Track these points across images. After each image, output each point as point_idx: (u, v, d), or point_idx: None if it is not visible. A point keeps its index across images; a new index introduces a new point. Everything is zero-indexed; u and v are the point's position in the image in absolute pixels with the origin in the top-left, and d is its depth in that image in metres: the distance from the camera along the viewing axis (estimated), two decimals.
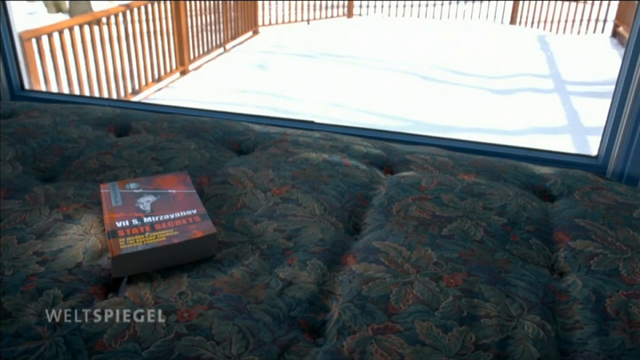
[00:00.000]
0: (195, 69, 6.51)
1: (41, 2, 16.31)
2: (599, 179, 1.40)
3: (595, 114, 5.08)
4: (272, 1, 8.69)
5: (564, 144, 4.64)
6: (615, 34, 8.15)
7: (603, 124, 1.71)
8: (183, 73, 6.29)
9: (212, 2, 6.93)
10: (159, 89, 5.89)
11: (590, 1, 8.43)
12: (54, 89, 4.60)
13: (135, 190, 1.18)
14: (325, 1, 9.27)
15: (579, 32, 8.53)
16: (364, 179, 1.33)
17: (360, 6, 9.66)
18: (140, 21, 5.62)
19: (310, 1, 9.07)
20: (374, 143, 1.55)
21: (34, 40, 4.41)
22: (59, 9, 15.31)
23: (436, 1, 9.59)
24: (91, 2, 13.57)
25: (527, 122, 5.13)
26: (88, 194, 1.24)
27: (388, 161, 1.47)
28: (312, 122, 1.81)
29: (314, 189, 1.25)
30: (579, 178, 1.40)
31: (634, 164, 1.62)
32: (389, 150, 1.51)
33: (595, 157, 1.74)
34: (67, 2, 14.54)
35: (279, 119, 1.83)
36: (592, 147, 4.58)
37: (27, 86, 2.29)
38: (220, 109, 1.99)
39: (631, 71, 1.59)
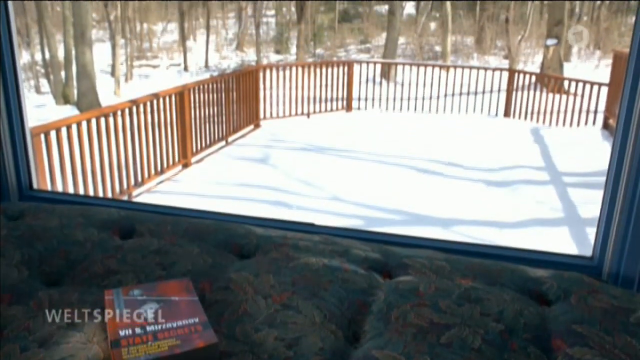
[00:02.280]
0: (198, 161, 6.65)
1: (49, 94, 16.88)
2: (594, 282, 1.43)
3: (592, 205, 5.14)
4: (273, 95, 8.97)
5: (562, 238, 4.66)
6: (606, 125, 8.39)
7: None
8: (185, 166, 6.43)
9: (215, 95, 7.18)
10: (161, 182, 5.99)
11: (580, 94, 8.73)
12: (59, 181, 4.69)
13: (139, 298, 1.20)
14: (325, 95, 9.59)
15: (571, 125, 8.78)
16: (363, 285, 1.36)
17: (359, 99, 9.99)
18: (145, 113, 5.81)
19: (311, 96, 9.38)
20: (373, 247, 1.58)
21: (42, 136, 4.55)
22: (66, 101, 15.81)
23: (431, 96, 9.93)
24: (98, 95, 14.05)
25: (525, 214, 5.18)
26: (92, 299, 1.26)
27: (386, 265, 1.50)
28: (312, 225, 1.86)
29: (314, 295, 1.28)
30: (574, 281, 1.42)
31: (628, 265, 1.64)
32: (387, 254, 1.54)
33: (590, 258, 1.76)
34: (75, 94, 15.05)
35: (280, 221, 1.87)
36: (591, 239, 4.60)
37: (35, 185, 2.35)
38: (222, 210, 2.04)
39: (619, 170, 1.63)
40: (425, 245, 1.71)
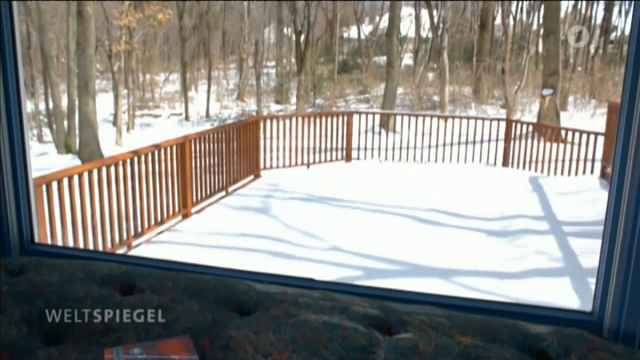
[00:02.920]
0: (198, 212, 6.67)
1: (52, 143, 17.05)
2: (595, 339, 1.42)
3: (593, 254, 5.13)
4: (273, 145, 9.06)
5: (564, 289, 4.64)
6: (603, 174, 8.44)
7: None
8: (185, 216, 6.44)
9: (215, 145, 7.26)
10: (161, 232, 5.99)
11: (577, 143, 8.81)
12: (58, 231, 4.69)
13: (139, 357, 1.20)
14: (324, 145, 9.68)
15: (569, 174, 8.84)
16: (363, 342, 1.36)
17: (359, 149, 10.09)
18: (146, 163, 5.85)
19: (311, 146, 9.47)
20: (372, 303, 1.58)
21: (44, 187, 4.58)
22: (68, 150, 15.96)
23: (430, 145, 10.03)
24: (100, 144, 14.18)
25: (526, 265, 5.16)
26: (91, 359, 1.26)
27: (386, 322, 1.50)
28: (311, 280, 1.86)
29: (314, 353, 1.27)
30: (575, 338, 1.42)
31: (629, 321, 1.63)
32: (387, 311, 1.54)
33: (590, 313, 1.76)
34: (76, 144, 15.20)
35: (280, 277, 1.88)
36: (593, 290, 4.56)
37: (37, 238, 2.36)
38: (222, 262, 2.05)
39: (615, 223, 1.64)
40: (424, 301, 1.71)
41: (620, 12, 23.88)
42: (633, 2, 1.43)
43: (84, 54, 13.60)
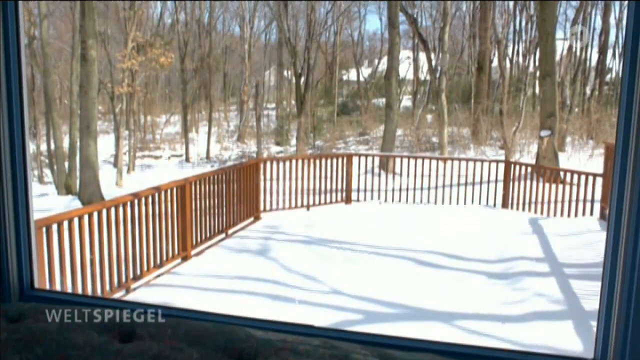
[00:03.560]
0: (197, 254, 6.64)
1: (52, 184, 17.11)
2: None
3: (595, 297, 5.10)
4: (273, 187, 9.08)
5: (566, 332, 4.59)
6: (603, 215, 8.44)
7: None
8: (185, 259, 6.41)
9: (216, 186, 7.28)
10: (160, 275, 5.96)
11: (576, 184, 8.84)
12: (57, 272, 4.67)
13: None
14: (324, 187, 9.71)
15: (569, 215, 8.83)
16: None
17: (359, 191, 10.11)
18: (146, 205, 5.86)
19: (310, 187, 9.50)
20: (372, 350, 1.57)
21: (44, 229, 4.58)
22: (68, 191, 16.01)
23: (429, 187, 10.06)
24: (101, 185, 14.22)
25: (528, 308, 5.12)
26: None
27: None
28: (311, 327, 1.85)
29: None
30: None
31: None
32: (388, 359, 1.53)
33: None
34: (77, 185, 15.25)
35: (279, 323, 1.87)
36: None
37: (36, 282, 2.35)
38: (222, 307, 2.04)
39: (614, 267, 1.63)
40: (425, 348, 1.70)
41: (614, 54, 24.35)
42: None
43: (87, 96, 13.78)
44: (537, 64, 18.23)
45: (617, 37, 23.36)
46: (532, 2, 20.14)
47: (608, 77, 24.84)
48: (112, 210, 5.38)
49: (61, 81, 23.21)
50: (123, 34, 20.34)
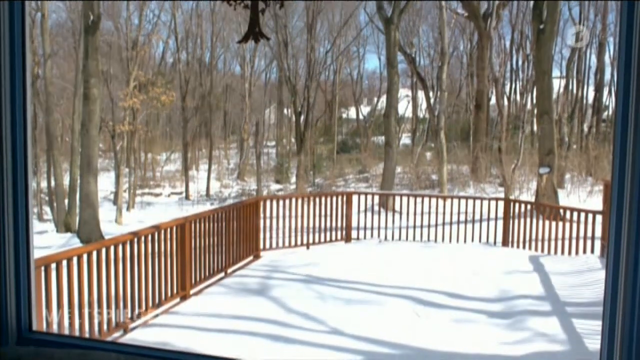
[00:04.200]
0: (196, 293, 6.59)
1: (51, 222, 17.07)
2: None
3: (598, 336, 5.04)
4: (273, 225, 9.06)
5: None
6: (603, 253, 8.40)
7: None
8: (184, 298, 6.36)
9: (215, 225, 7.27)
10: (159, 314, 5.90)
11: (576, 221, 8.82)
12: (54, 314, 4.62)
13: None
14: (324, 225, 9.69)
15: (569, 253, 8.79)
16: None
17: (359, 229, 10.09)
18: (146, 244, 5.84)
19: (310, 226, 9.48)
20: None
21: (42, 269, 4.55)
22: (67, 229, 15.97)
23: (429, 224, 10.03)
24: (100, 223, 14.20)
25: (530, 348, 5.06)
26: None
27: None
28: None
29: None
30: None
31: None
32: None
33: None
34: (76, 223, 15.21)
35: None
36: None
37: (35, 324, 2.33)
38: (220, 355, 2.03)
39: (614, 306, 1.62)
40: None
41: (610, 92, 24.63)
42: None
43: (88, 135, 13.89)
44: (534, 101, 18.43)
45: (612, 75, 23.65)
46: (527, 42, 20.50)
47: (605, 114, 25.10)
48: (112, 249, 5.37)
49: (63, 119, 23.41)
50: (125, 73, 20.63)
